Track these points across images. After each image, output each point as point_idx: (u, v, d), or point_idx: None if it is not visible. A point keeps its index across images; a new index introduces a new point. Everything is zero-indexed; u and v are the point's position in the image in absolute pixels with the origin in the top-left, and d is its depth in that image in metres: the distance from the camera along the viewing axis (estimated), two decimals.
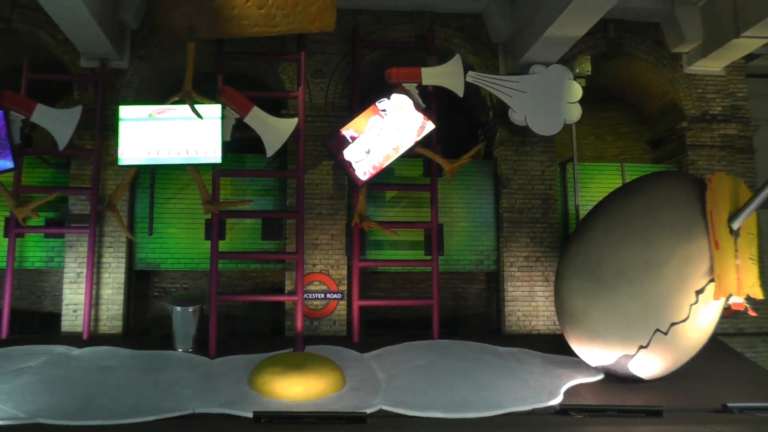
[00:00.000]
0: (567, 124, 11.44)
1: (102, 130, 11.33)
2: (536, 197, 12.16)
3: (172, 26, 10.48)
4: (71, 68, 11.66)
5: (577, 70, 11.66)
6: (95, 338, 10.85)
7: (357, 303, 11.20)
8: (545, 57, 11.29)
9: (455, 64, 10.99)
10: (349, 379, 8.85)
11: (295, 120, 10.85)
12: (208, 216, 11.09)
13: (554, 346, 10.39)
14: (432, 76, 10.96)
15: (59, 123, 10.72)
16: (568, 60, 11.70)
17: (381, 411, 7.93)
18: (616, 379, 9.19)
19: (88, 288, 11.02)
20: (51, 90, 12.77)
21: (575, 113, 11.38)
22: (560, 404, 8.24)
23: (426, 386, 8.61)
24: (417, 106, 10.85)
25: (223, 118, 10.52)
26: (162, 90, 12.72)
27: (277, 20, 10.39)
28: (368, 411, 7.77)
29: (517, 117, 11.20)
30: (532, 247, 12.03)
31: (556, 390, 8.67)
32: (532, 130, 11.29)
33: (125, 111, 10.56)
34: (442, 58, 11.36)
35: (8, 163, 10.30)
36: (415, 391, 8.43)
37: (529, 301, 11.87)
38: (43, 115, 10.65)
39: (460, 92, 10.96)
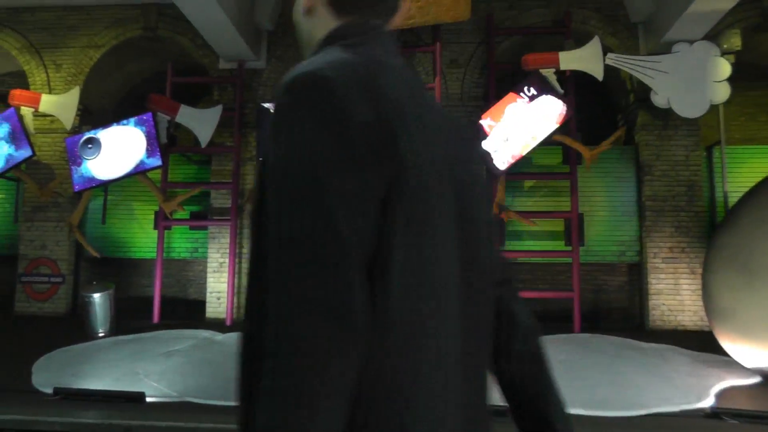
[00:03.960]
0: (713, 105, 10.57)
1: (241, 128, 11.83)
2: (681, 184, 11.41)
3: None
4: (210, 70, 12.26)
5: (725, 46, 10.76)
6: (238, 324, 11.33)
7: None
8: (689, 34, 10.49)
9: (594, 46, 10.44)
10: None
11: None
12: None
13: (702, 343, 9.67)
14: (570, 60, 10.49)
15: (201, 122, 11.29)
16: (714, 36, 10.80)
17: None
18: None
19: (230, 277, 11.57)
20: (192, 92, 13.48)
21: (723, 93, 10.48)
22: (711, 407, 7.67)
23: (566, 381, 8.17)
24: (555, 93, 10.46)
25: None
26: None
27: (412, 12, 10.36)
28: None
29: (659, 99, 10.50)
30: (677, 238, 11.30)
31: (705, 391, 8.03)
32: (676, 113, 10.54)
33: (264, 109, 10.96)
34: (580, 41, 10.89)
35: (157, 161, 10.96)
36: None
37: (674, 294, 11.17)
38: (186, 116, 11.26)
39: (599, 75, 10.41)
